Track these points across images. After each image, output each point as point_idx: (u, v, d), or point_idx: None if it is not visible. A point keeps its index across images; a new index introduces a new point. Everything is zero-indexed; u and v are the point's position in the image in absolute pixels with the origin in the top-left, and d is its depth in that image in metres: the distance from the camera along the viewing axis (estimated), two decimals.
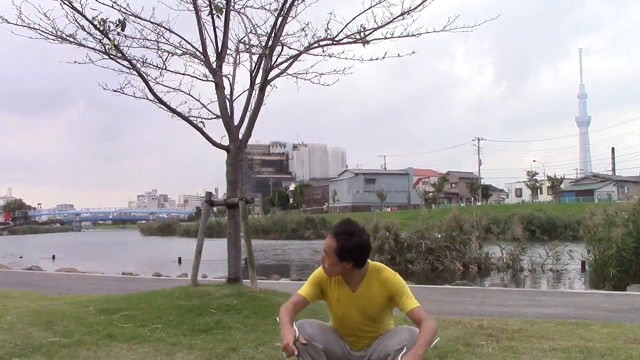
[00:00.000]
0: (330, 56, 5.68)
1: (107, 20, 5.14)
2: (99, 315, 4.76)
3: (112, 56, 5.42)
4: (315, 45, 5.68)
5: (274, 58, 5.80)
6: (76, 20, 5.22)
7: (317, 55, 5.75)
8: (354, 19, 5.45)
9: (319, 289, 2.74)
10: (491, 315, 5.44)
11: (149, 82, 5.63)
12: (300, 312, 2.75)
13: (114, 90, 5.70)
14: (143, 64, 5.69)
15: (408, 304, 2.58)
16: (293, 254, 26.76)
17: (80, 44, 5.40)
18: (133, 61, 5.56)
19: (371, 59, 5.62)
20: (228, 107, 5.83)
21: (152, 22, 5.65)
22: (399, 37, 5.49)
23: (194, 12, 5.59)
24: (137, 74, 5.54)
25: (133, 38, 5.70)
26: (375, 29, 5.44)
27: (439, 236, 16.61)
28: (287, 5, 5.60)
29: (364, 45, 5.42)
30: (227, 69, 6.00)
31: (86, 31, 5.27)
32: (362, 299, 2.66)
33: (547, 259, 15.26)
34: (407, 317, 2.63)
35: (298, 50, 5.78)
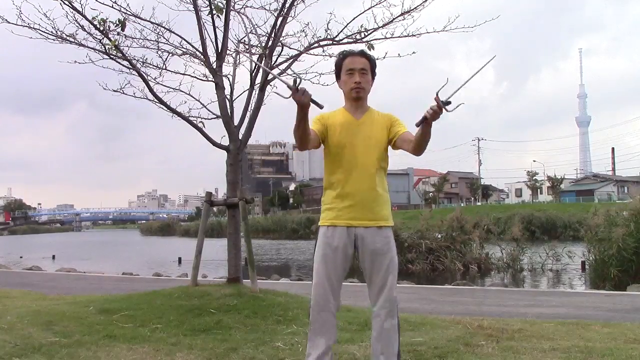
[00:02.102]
0: (330, 56, 5.68)
1: (107, 20, 5.14)
2: (99, 315, 4.76)
3: (112, 56, 5.42)
4: (315, 45, 5.69)
5: (274, 58, 5.80)
6: (76, 20, 5.22)
7: (317, 55, 5.76)
8: (354, 19, 5.45)
9: (322, 122, 2.74)
10: (491, 315, 5.43)
11: (149, 82, 5.63)
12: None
13: (114, 90, 5.70)
14: (143, 64, 5.70)
15: (404, 129, 2.75)
16: (293, 254, 26.76)
17: (80, 44, 5.40)
18: (133, 61, 5.56)
19: None
20: (228, 107, 5.83)
21: (152, 22, 5.66)
22: (399, 37, 5.50)
23: (194, 12, 5.60)
24: (137, 74, 5.54)
25: (133, 38, 5.70)
26: (375, 29, 5.44)
27: (439, 236, 16.61)
28: (287, 5, 5.60)
29: (369, 49, 5.41)
30: (227, 69, 6.01)
31: (86, 31, 5.28)
32: (366, 125, 2.74)
33: (547, 259, 15.26)
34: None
35: (298, 50, 5.78)
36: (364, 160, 2.69)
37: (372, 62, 2.78)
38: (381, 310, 2.68)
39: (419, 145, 2.59)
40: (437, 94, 2.38)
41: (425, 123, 2.45)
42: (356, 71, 2.70)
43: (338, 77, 2.81)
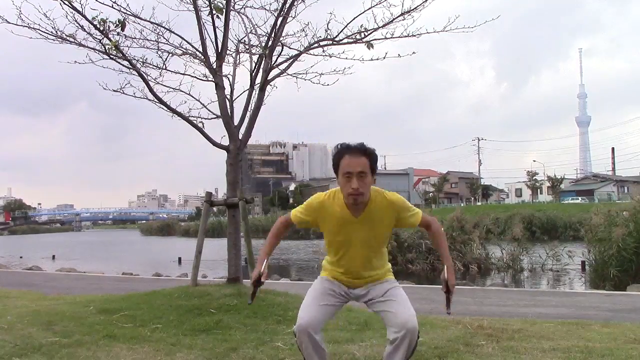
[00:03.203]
0: (330, 56, 5.68)
1: (107, 20, 5.14)
2: (99, 315, 4.76)
3: (112, 56, 5.42)
4: (315, 45, 5.69)
5: (274, 58, 5.80)
6: (76, 21, 5.22)
7: (317, 55, 5.76)
8: (354, 19, 5.45)
9: (314, 217, 2.65)
10: (491, 315, 5.43)
11: (149, 82, 5.63)
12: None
13: (114, 90, 5.70)
14: (143, 64, 5.70)
15: (416, 218, 2.64)
16: (293, 254, 26.75)
17: (80, 44, 5.40)
18: (133, 61, 5.56)
19: (371, 59, 5.62)
20: (228, 107, 5.83)
21: (152, 22, 5.66)
22: (399, 37, 5.50)
23: (194, 12, 5.60)
24: (137, 74, 5.55)
25: (133, 38, 5.70)
26: (376, 29, 5.44)
27: None
28: (287, 5, 5.60)
29: (368, 49, 5.41)
30: (227, 69, 6.01)
31: (86, 31, 5.28)
32: (366, 222, 2.58)
33: (547, 259, 15.26)
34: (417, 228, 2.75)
35: (298, 50, 5.78)
36: (362, 253, 2.66)
37: (372, 159, 2.54)
38: (397, 335, 2.52)
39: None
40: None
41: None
42: (354, 175, 2.48)
43: (336, 172, 2.59)
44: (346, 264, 2.69)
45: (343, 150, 2.55)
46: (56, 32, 5.31)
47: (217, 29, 5.62)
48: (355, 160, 2.49)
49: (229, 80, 5.99)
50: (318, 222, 2.66)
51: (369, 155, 2.53)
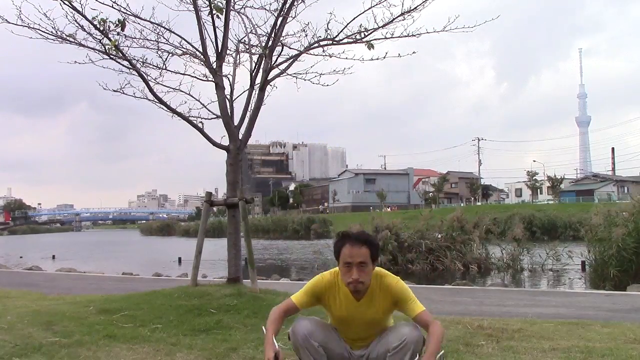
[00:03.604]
0: (330, 56, 5.68)
1: (107, 20, 5.14)
2: (99, 315, 4.76)
3: (112, 56, 5.42)
4: (316, 45, 5.69)
5: (274, 58, 5.80)
6: (76, 20, 5.22)
7: (317, 55, 5.76)
8: (354, 19, 5.46)
9: (315, 299, 2.70)
10: (491, 315, 5.43)
11: (149, 82, 5.63)
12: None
13: (114, 90, 5.70)
14: (143, 64, 5.70)
15: (413, 309, 2.59)
16: (293, 254, 26.75)
17: (80, 44, 5.40)
18: (133, 61, 5.57)
19: (371, 59, 5.62)
20: (228, 107, 5.83)
21: (152, 22, 5.66)
22: (399, 37, 5.50)
23: (194, 12, 5.60)
24: (137, 74, 5.55)
25: (133, 38, 5.71)
26: (375, 29, 5.44)
27: (439, 236, 16.60)
28: (287, 5, 5.60)
29: (369, 49, 5.41)
30: (227, 69, 6.01)
31: (86, 31, 5.28)
32: (366, 307, 2.64)
33: (547, 259, 15.26)
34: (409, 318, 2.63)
35: (298, 50, 5.78)
36: (364, 328, 2.70)
37: (373, 249, 2.57)
38: (400, 341, 2.57)
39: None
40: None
41: None
42: (354, 265, 2.52)
43: (337, 259, 2.63)
44: (349, 334, 2.74)
45: (344, 239, 2.59)
46: (56, 32, 5.32)
47: (217, 29, 5.63)
48: (356, 250, 2.53)
49: (229, 80, 6.00)
50: (322, 302, 2.71)
51: (370, 244, 2.57)
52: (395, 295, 2.62)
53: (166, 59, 5.86)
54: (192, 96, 5.95)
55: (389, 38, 5.53)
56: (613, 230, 11.26)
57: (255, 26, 5.96)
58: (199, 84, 6.18)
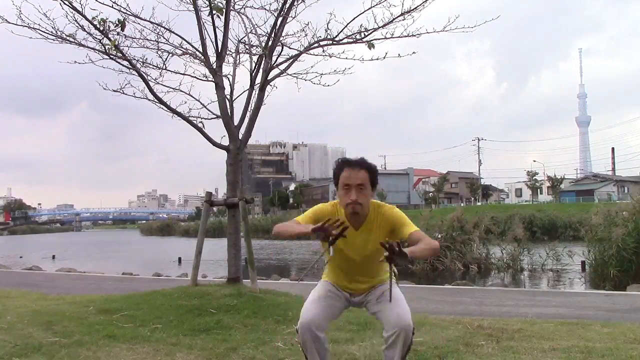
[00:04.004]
0: (330, 56, 5.68)
1: (107, 20, 5.14)
2: (99, 315, 4.76)
3: (112, 56, 5.43)
4: (316, 45, 5.69)
5: (274, 58, 5.80)
6: (76, 20, 5.22)
7: (317, 55, 5.76)
8: (354, 19, 5.46)
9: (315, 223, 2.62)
10: (491, 315, 5.44)
11: (149, 82, 5.63)
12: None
13: (114, 90, 5.70)
14: (143, 64, 5.70)
15: (408, 230, 2.56)
16: (293, 254, 26.75)
17: (80, 44, 5.41)
18: (133, 61, 5.57)
19: (372, 59, 5.62)
20: (228, 107, 5.83)
21: (152, 22, 5.66)
22: (399, 37, 5.50)
23: (194, 12, 5.60)
24: (137, 74, 5.55)
25: (133, 38, 5.71)
26: (375, 29, 5.44)
27: (439, 236, 16.60)
28: (287, 5, 5.60)
29: (369, 49, 5.41)
30: (227, 69, 6.01)
31: (86, 31, 5.29)
32: (365, 235, 2.61)
33: (547, 259, 15.26)
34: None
35: (298, 50, 5.78)
36: (360, 265, 2.69)
37: (372, 173, 2.57)
38: (391, 333, 2.56)
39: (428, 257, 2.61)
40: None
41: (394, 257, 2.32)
42: (353, 187, 2.52)
43: (336, 185, 2.62)
44: (346, 271, 2.73)
45: (343, 164, 2.59)
46: (56, 32, 5.32)
47: (217, 29, 5.63)
48: (355, 173, 2.53)
49: (229, 80, 6.00)
50: None
51: (369, 169, 2.57)
52: (392, 220, 2.60)
53: (166, 59, 5.87)
54: (192, 96, 5.95)
55: (389, 38, 5.54)
56: (613, 230, 11.28)
57: (255, 26, 5.97)
58: (199, 84, 6.19)
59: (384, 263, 2.58)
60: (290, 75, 5.94)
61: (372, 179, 2.57)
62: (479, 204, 62.17)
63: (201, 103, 5.95)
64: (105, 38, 5.25)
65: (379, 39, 5.50)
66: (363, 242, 2.61)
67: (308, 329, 2.52)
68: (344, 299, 2.75)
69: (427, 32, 5.38)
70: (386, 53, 5.45)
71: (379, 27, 5.42)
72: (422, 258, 2.44)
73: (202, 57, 5.75)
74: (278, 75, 5.86)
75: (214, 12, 5.42)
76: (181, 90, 5.95)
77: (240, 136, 5.85)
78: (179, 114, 5.79)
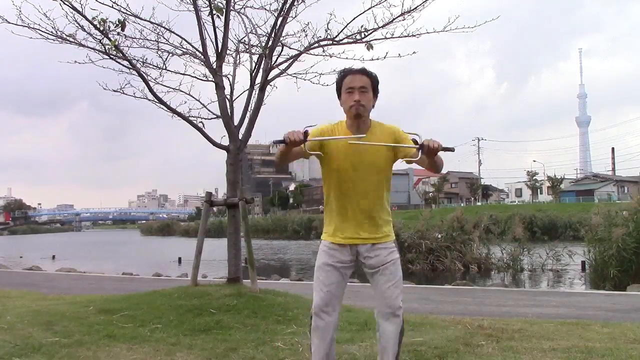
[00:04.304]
0: (330, 56, 5.68)
1: (107, 20, 5.14)
2: (99, 315, 4.76)
3: (112, 56, 5.42)
4: (316, 45, 5.68)
5: (274, 58, 5.80)
6: (76, 21, 5.22)
7: (317, 55, 5.75)
8: (354, 19, 5.45)
9: (319, 136, 2.66)
10: (491, 315, 5.44)
11: (149, 82, 5.63)
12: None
13: (114, 91, 5.70)
14: (143, 64, 5.70)
15: (412, 148, 2.60)
16: (293, 254, 26.75)
17: (80, 44, 5.40)
18: (133, 61, 5.56)
19: (372, 59, 5.61)
20: (228, 107, 5.82)
21: (152, 22, 5.66)
22: (399, 37, 5.49)
23: (194, 12, 5.60)
24: (137, 74, 5.54)
25: (133, 38, 5.70)
26: (375, 29, 5.44)
27: (440, 236, 16.60)
28: (287, 5, 5.60)
29: (368, 50, 5.41)
30: (227, 69, 6.01)
31: (86, 31, 5.28)
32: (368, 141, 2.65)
33: (548, 259, 15.26)
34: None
35: (298, 51, 5.78)
36: (363, 181, 2.66)
37: (373, 80, 2.68)
38: (384, 315, 2.67)
39: (433, 169, 2.62)
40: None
41: (427, 153, 2.44)
42: (356, 89, 2.62)
43: (339, 96, 2.72)
44: (350, 207, 2.67)
45: (345, 72, 2.71)
46: (56, 32, 5.32)
47: (217, 29, 5.62)
48: (358, 77, 2.65)
49: (229, 80, 5.99)
50: (323, 144, 2.66)
51: (370, 75, 2.68)
52: (395, 130, 2.68)
53: (166, 59, 5.86)
54: (192, 96, 5.95)
55: (389, 38, 5.53)
56: (613, 230, 11.27)
57: (255, 26, 5.96)
58: (199, 84, 6.18)
59: (386, 183, 2.70)
60: (290, 75, 5.94)
61: (374, 85, 2.68)
62: (479, 204, 62.15)
63: (201, 103, 5.95)
64: (105, 38, 5.25)
65: (379, 39, 5.50)
66: (364, 151, 2.63)
67: (319, 313, 2.63)
68: (346, 262, 2.69)
69: (427, 32, 5.38)
70: (386, 53, 5.45)
71: (379, 27, 5.42)
72: (434, 159, 2.51)
73: (202, 57, 5.75)
74: (278, 75, 5.86)
75: (214, 12, 5.42)
76: (181, 90, 5.95)
77: (240, 136, 5.85)
78: (179, 114, 5.78)
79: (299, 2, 5.65)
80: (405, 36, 5.44)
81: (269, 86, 5.85)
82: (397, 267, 2.70)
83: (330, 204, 2.75)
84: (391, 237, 2.75)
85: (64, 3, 5.01)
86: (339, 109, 2.82)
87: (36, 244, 47.12)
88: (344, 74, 2.71)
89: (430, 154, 2.44)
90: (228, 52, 5.89)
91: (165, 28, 5.73)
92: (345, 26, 5.45)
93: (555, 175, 60.69)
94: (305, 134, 2.46)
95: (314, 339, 2.67)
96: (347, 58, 5.61)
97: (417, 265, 15.58)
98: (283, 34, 5.75)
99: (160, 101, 5.70)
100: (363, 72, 2.69)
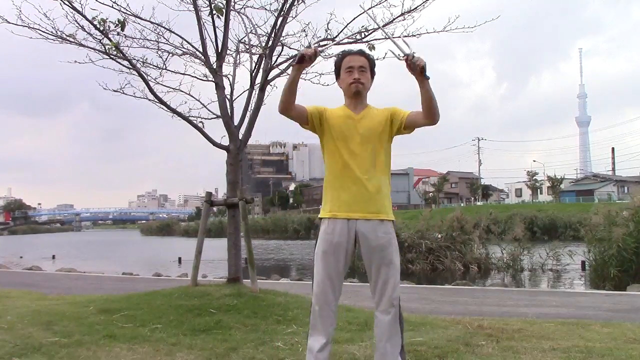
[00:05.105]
0: (330, 56, 5.68)
1: (107, 20, 5.14)
2: (99, 315, 4.76)
3: (112, 56, 5.43)
4: (316, 45, 5.69)
5: (274, 58, 5.80)
6: (76, 21, 5.23)
7: None
8: (354, 19, 5.46)
9: (318, 112, 2.75)
10: (491, 315, 5.44)
11: (149, 82, 5.63)
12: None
13: (114, 90, 5.70)
14: (143, 64, 5.70)
15: (406, 112, 2.74)
16: (293, 254, 26.75)
17: (80, 44, 5.41)
18: (133, 61, 5.57)
19: None
20: (228, 107, 5.83)
21: (152, 22, 5.66)
22: (399, 37, 5.49)
23: (194, 12, 5.60)
24: (137, 74, 5.55)
25: (133, 38, 5.71)
26: (375, 29, 5.44)
27: (440, 236, 16.60)
28: (287, 5, 5.60)
29: (369, 50, 5.41)
30: (227, 69, 6.01)
31: (86, 31, 5.29)
32: (366, 119, 2.74)
33: (548, 259, 15.26)
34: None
35: (298, 50, 5.76)
36: (362, 154, 2.68)
37: (371, 60, 2.79)
38: (382, 308, 2.68)
39: (428, 109, 2.60)
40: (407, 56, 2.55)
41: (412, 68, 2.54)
42: (355, 68, 2.73)
43: (338, 76, 2.82)
44: (350, 181, 2.67)
45: (345, 52, 2.84)
46: (56, 32, 5.32)
47: (217, 29, 5.63)
48: (357, 57, 2.77)
49: (229, 80, 6.00)
50: (323, 117, 2.74)
51: (368, 57, 2.80)
52: (390, 108, 2.79)
53: (166, 59, 5.87)
54: (192, 96, 5.95)
55: (389, 38, 5.52)
56: (613, 230, 11.28)
57: (255, 26, 5.96)
58: (199, 84, 6.18)
59: (383, 148, 2.73)
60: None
61: (372, 66, 2.80)
62: (479, 204, 62.10)
63: (201, 103, 5.96)
64: (105, 38, 5.25)
65: (379, 39, 5.51)
66: (364, 124, 2.72)
67: (319, 308, 2.66)
68: (348, 244, 2.65)
69: (427, 32, 5.39)
70: (386, 53, 5.43)
71: (379, 27, 5.41)
72: (429, 91, 2.58)
73: (202, 57, 5.75)
74: (278, 75, 5.86)
75: (214, 12, 5.43)
76: (181, 90, 5.96)
77: (240, 136, 5.85)
78: (179, 114, 5.79)
79: (299, 2, 5.65)
80: (406, 36, 5.44)
81: (269, 86, 5.85)
82: (396, 263, 2.70)
83: (329, 181, 2.76)
84: (391, 216, 2.73)
85: (64, 3, 5.02)
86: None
87: (36, 244, 47.11)
88: (342, 55, 2.82)
89: (414, 68, 2.54)
90: (228, 52, 5.89)
91: (165, 28, 5.74)
92: (345, 26, 5.47)
93: (555, 175, 60.69)
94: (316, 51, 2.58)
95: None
96: None
97: (417, 265, 15.59)
98: (283, 34, 5.76)
99: (161, 101, 5.71)
100: (361, 53, 2.81)
